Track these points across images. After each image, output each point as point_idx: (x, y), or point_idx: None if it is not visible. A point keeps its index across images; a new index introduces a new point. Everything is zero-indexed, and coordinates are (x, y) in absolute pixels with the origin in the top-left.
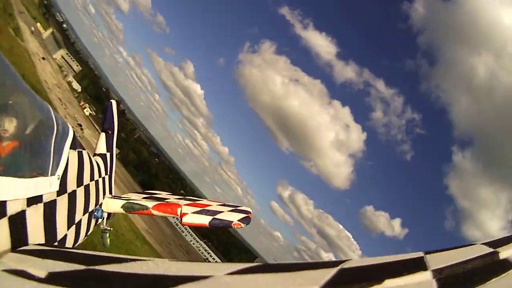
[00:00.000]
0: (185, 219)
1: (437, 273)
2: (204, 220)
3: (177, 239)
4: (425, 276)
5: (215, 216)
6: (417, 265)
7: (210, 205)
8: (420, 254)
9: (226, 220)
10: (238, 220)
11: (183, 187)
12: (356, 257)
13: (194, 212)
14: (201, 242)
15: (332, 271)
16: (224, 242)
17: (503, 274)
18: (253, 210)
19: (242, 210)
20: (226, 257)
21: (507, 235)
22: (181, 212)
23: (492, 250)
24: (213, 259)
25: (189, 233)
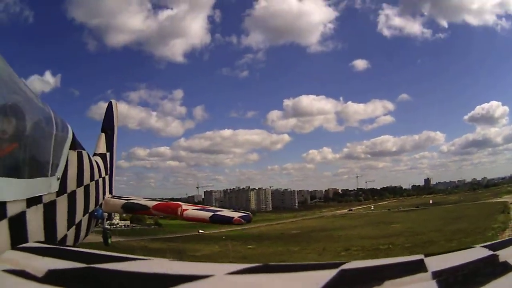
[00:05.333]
0: (186, 214)
1: (437, 275)
2: (205, 214)
3: None
4: (425, 278)
5: (215, 213)
6: (417, 267)
7: (210, 207)
8: (420, 256)
9: (227, 216)
10: (239, 217)
11: None
12: None
13: (194, 209)
14: None
15: (333, 272)
16: None
17: (503, 277)
18: None
19: (241, 211)
20: None
21: (507, 238)
22: (181, 211)
23: (492, 252)
24: None
25: None
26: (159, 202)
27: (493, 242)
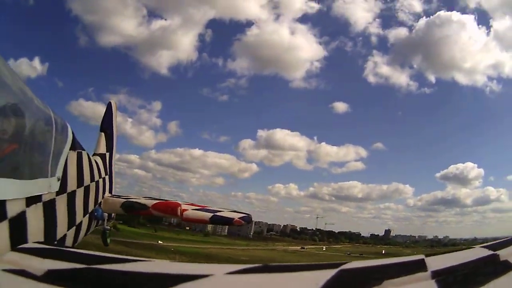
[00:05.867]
0: (186, 214)
1: (437, 275)
2: (205, 215)
3: None
4: (425, 278)
5: (215, 214)
6: (418, 267)
7: (209, 207)
8: (421, 256)
9: (227, 217)
10: (239, 218)
11: None
12: None
13: (194, 210)
14: None
15: (332, 272)
16: None
17: (503, 276)
18: None
19: (241, 212)
20: None
21: (506, 238)
22: (181, 210)
23: (492, 252)
24: None
25: None
26: (159, 201)
27: (493, 242)
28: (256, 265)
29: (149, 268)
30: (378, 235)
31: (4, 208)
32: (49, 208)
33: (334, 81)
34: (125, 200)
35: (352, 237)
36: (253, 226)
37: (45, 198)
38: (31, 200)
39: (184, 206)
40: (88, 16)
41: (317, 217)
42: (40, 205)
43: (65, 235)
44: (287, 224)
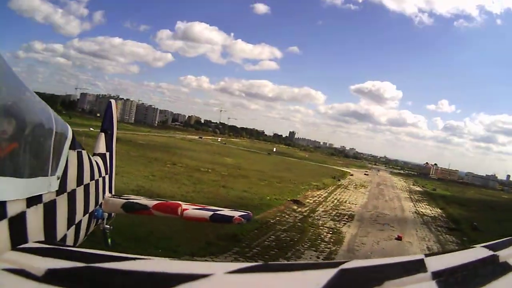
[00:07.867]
0: (186, 213)
1: (437, 275)
2: (205, 214)
3: None
4: (425, 278)
5: (215, 212)
6: (418, 268)
7: (209, 207)
8: (421, 256)
9: (227, 216)
10: (239, 216)
11: None
12: None
13: (194, 209)
14: None
15: (332, 272)
16: None
17: (503, 277)
18: None
19: (242, 210)
20: None
21: (507, 238)
22: (181, 211)
23: (492, 253)
24: None
25: None
26: (159, 201)
27: (493, 242)
28: (257, 263)
29: (149, 267)
30: (281, 135)
31: (4, 207)
32: (49, 208)
33: None
34: (126, 201)
35: (253, 134)
36: (157, 114)
37: (45, 197)
38: (31, 199)
39: (184, 206)
40: None
41: (221, 110)
42: (40, 205)
43: (65, 235)
44: (192, 115)
